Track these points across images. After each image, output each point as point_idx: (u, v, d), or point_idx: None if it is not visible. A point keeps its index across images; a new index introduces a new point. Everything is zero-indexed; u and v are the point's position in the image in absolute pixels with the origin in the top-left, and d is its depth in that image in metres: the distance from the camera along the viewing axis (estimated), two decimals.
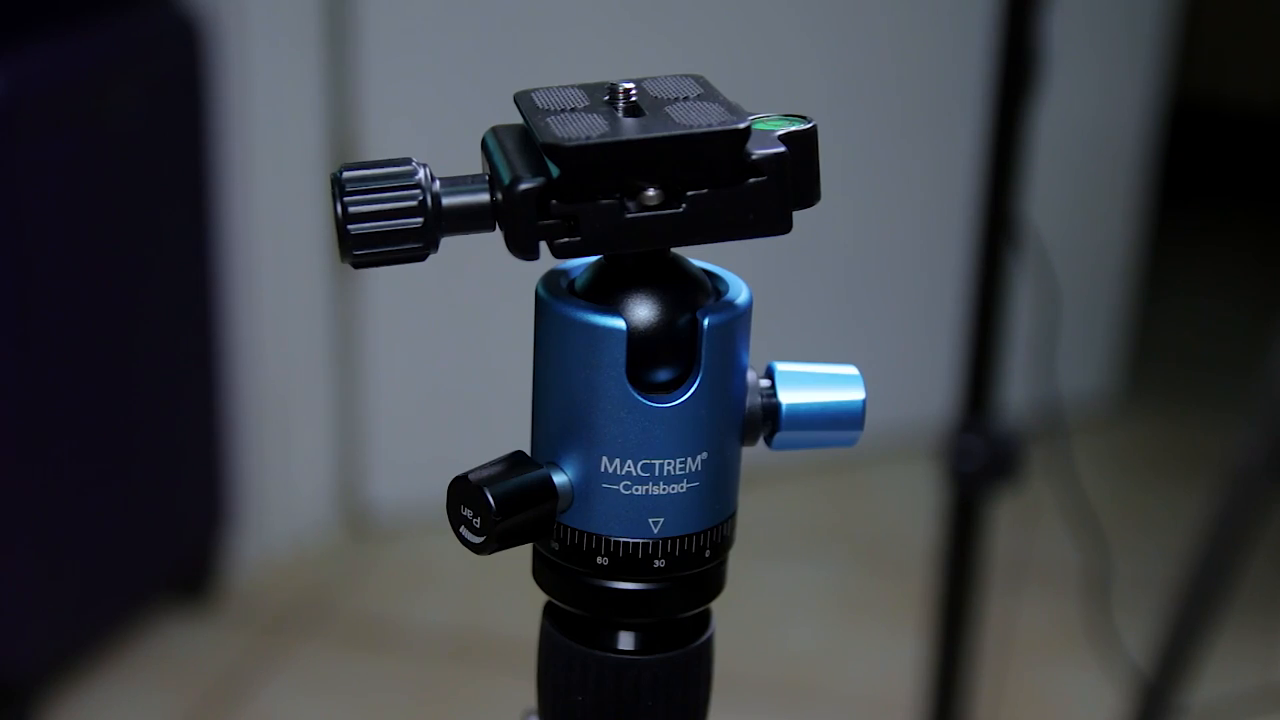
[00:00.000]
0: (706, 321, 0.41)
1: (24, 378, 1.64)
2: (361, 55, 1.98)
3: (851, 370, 0.43)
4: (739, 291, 0.42)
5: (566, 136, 0.39)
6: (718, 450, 0.42)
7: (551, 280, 0.43)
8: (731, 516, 0.43)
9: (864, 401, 0.43)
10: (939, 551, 1.41)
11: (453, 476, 0.41)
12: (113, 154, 1.70)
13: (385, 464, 2.17)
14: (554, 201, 0.39)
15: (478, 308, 2.11)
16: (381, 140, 2.01)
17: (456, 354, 2.16)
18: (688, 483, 0.42)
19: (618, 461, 0.41)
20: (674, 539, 0.42)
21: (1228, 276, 3.19)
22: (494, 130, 0.43)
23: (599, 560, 0.42)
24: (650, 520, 0.42)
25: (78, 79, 1.65)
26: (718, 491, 0.42)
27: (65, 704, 1.79)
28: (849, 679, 1.91)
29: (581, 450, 0.41)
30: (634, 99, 0.41)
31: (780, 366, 0.43)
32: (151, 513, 1.86)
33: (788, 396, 0.43)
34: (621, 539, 0.42)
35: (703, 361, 0.41)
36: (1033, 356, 1.51)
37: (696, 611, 0.44)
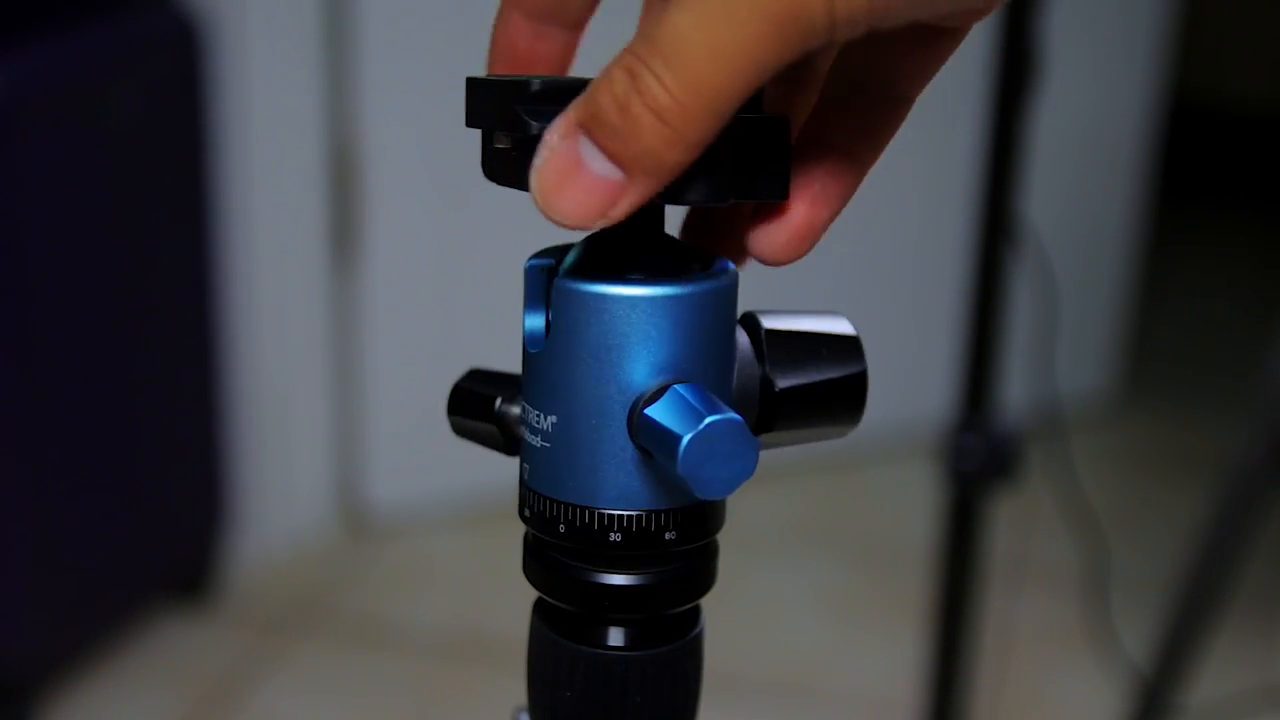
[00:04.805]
0: (557, 282, 0.41)
1: (23, 378, 1.64)
2: (361, 55, 1.98)
3: (712, 417, 0.40)
4: (695, 277, 0.41)
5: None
6: (568, 420, 0.41)
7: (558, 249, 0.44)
8: (602, 514, 0.42)
9: (686, 444, 0.40)
10: (938, 550, 1.41)
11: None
12: (112, 154, 1.70)
13: (384, 464, 2.17)
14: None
15: (477, 308, 2.11)
16: (380, 140, 2.01)
17: (456, 354, 2.16)
18: (541, 440, 0.42)
19: (531, 411, 0.43)
20: (533, 493, 0.43)
21: (1226, 276, 3.19)
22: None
23: (560, 529, 0.43)
24: (524, 464, 0.43)
25: (76, 79, 1.65)
26: (572, 466, 0.42)
27: (65, 704, 1.79)
28: (848, 678, 1.91)
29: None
30: None
31: (679, 386, 0.41)
32: (151, 513, 1.86)
33: (649, 414, 0.41)
34: (534, 487, 0.43)
35: (551, 320, 0.41)
36: (1032, 356, 1.52)
37: (685, 608, 0.44)
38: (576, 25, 0.45)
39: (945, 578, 1.40)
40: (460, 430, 0.47)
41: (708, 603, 0.45)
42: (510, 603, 1.87)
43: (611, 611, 0.43)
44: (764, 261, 0.43)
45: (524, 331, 0.42)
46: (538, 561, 0.44)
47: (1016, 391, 1.62)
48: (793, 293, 2.26)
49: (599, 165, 0.36)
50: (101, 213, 1.71)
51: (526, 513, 0.43)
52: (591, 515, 0.42)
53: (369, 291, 2.09)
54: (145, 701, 1.82)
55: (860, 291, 2.32)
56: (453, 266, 2.11)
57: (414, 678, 1.88)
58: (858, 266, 2.30)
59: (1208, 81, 3.39)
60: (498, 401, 0.45)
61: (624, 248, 0.41)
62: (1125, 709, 1.43)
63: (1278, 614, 2.03)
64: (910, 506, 2.19)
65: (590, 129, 0.36)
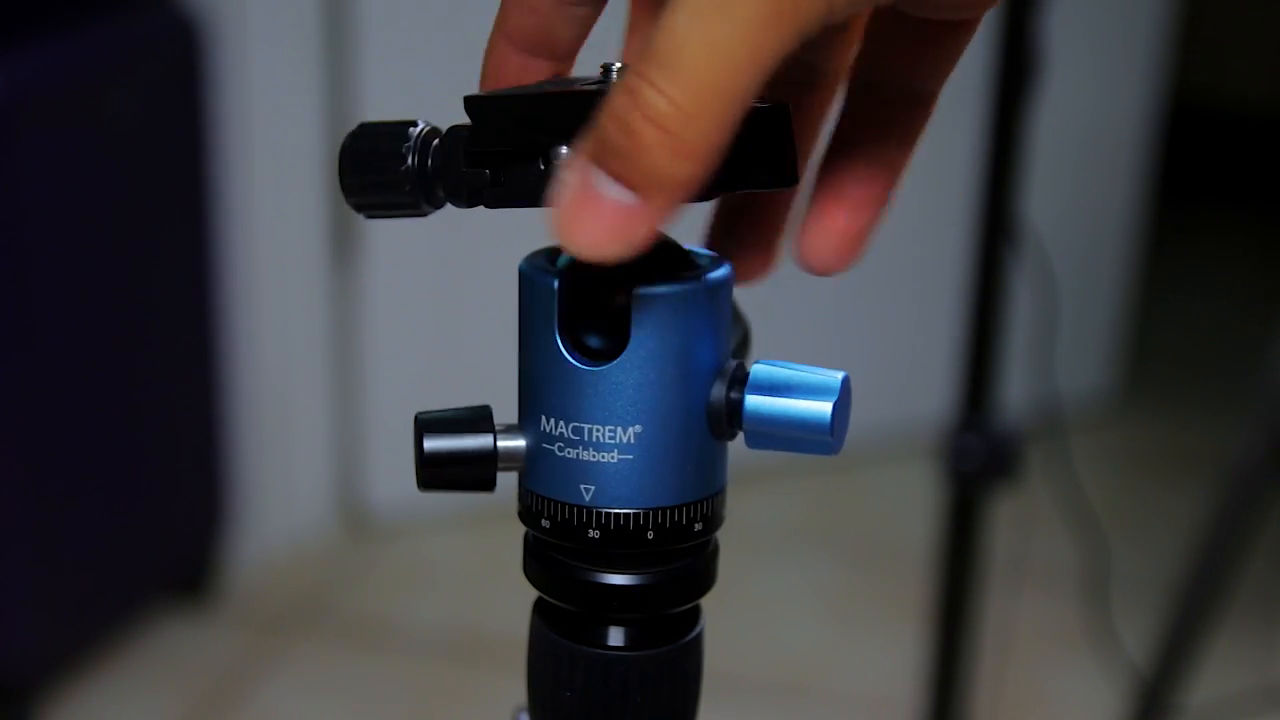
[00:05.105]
0: (641, 291, 0.41)
1: (23, 378, 1.64)
2: (361, 55, 1.98)
3: (834, 378, 0.42)
4: (711, 272, 0.42)
5: (484, 92, 0.41)
6: (656, 427, 0.42)
7: (537, 253, 0.43)
8: (686, 507, 0.43)
9: (830, 412, 0.41)
10: (937, 551, 1.41)
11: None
12: (111, 153, 1.70)
13: (384, 464, 2.17)
14: (476, 150, 0.41)
15: (477, 308, 2.11)
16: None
17: (456, 354, 2.16)
18: (619, 454, 0.42)
19: (552, 421, 0.42)
20: (608, 512, 0.42)
21: (1226, 276, 3.19)
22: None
23: (543, 523, 0.42)
24: (581, 487, 0.42)
25: (76, 79, 1.65)
26: (659, 471, 0.42)
27: (65, 704, 1.79)
28: (848, 679, 1.91)
29: (530, 409, 0.43)
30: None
31: (759, 366, 0.43)
32: (151, 513, 1.86)
33: (754, 396, 0.42)
34: (558, 500, 0.42)
35: (634, 331, 0.41)
36: (1031, 356, 1.52)
37: (686, 608, 0.44)
38: (565, 57, 0.45)
39: (945, 578, 1.40)
40: (441, 486, 0.45)
41: (708, 603, 0.45)
42: (510, 603, 1.87)
43: (612, 611, 0.43)
44: (815, 272, 0.43)
45: (568, 354, 0.41)
46: (538, 561, 0.44)
47: (1016, 391, 1.62)
48: (793, 293, 2.26)
49: (611, 192, 0.35)
50: (101, 213, 1.71)
51: (594, 534, 0.42)
52: (680, 513, 0.42)
53: (369, 292, 2.09)
54: (145, 701, 1.82)
55: (860, 291, 2.32)
56: (452, 266, 2.11)
57: (414, 678, 1.88)
58: (858, 266, 2.29)
59: (1208, 81, 3.39)
60: (492, 441, 0.43)
61: None
62: (1125, 709, 1.43)
63: (1278, 614, 2.03)
64: (910, 506, 2.19)
65: (598, 157, 0.35)
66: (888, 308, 2.36)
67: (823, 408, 0.41)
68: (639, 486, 0.42)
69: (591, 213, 0.35)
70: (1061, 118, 2.01)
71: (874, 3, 0.35)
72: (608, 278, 0.40)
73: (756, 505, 2.19)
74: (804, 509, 2.26)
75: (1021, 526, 2.11)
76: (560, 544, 0.43)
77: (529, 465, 0.43)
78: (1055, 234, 1.76)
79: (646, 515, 0.42)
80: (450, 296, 2.12)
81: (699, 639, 0.44)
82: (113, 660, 1.86)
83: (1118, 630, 1.60)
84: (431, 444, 0.43)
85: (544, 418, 0.42)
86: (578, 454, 0.42)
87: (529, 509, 0.43)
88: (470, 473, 0.43)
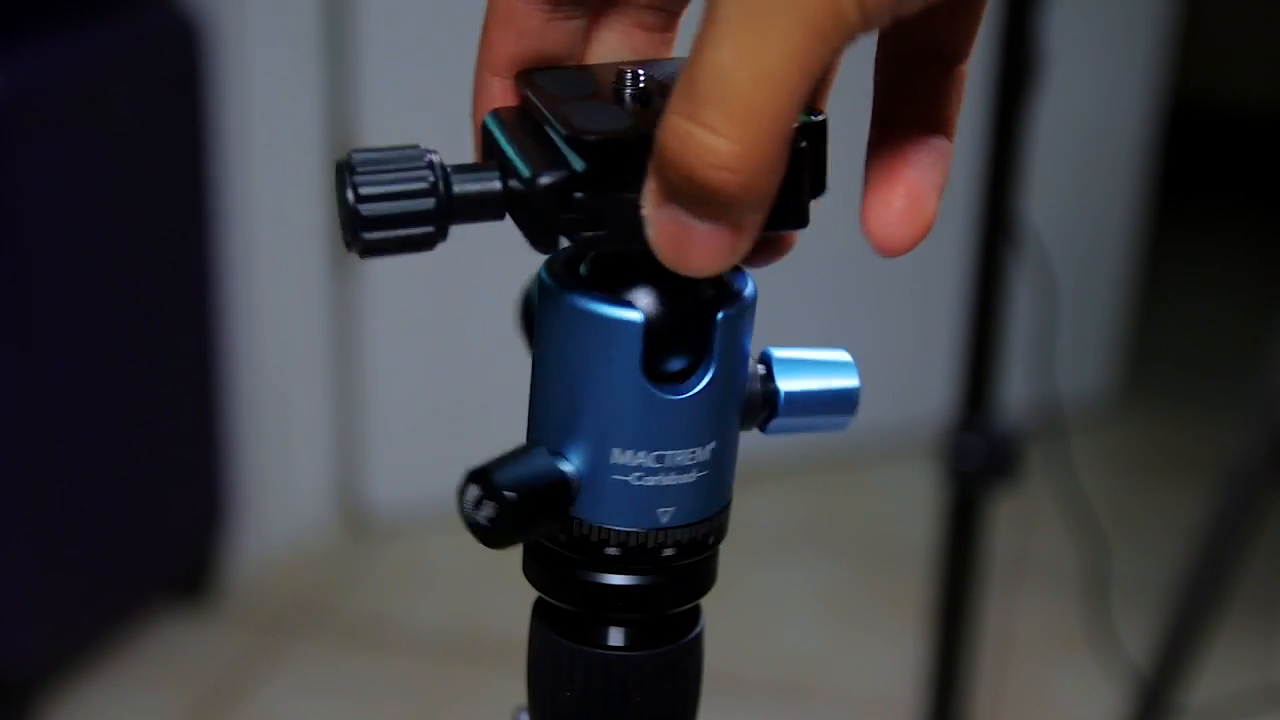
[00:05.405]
0: (721, 315, 0.40)
1: (23, 377, 1.64)
2: (361, 55, 1.98)
3: (845, 356, 0.44)
4: (745, 281, 0.42)
5: (590, 128, 0.38)
6: (724, 438, 0.42)
7: (556, 266, 0.41)
8: (730, 503, 0.43)
9: (859, 388, 0.43)
10: (937, 551, 1.41)
11: (457, 474, 0.41)
12: (112, 153, 1.70)
13: (384, 464, 2.17)
14: (577, 194, 0.38)
15: (477, 308, 2.11)
16: (380, 140, 2.01)
17: (455, 354, 2.16)
18: (697, 472, 0.41)
19: (629, 453, 0.41)
20: (681, 527, 0.42)
21: (1227, 276, 3.19)
22: (496, 114, 0.43)
23: (608, 551, 0.42)
24: (659, 510, 0.41)
25: (76, 78, 1.65)
26: (722, 478, 0.42)
27: (65, 704, 1.79)
28: (847, 679, 1.91)
29: (591, 442, 0.41)
30: (643, 85, 0.41)
31: (777, 353, 0.43)
32: (151, 513, 1.86)
33: (786, 383, 0.43)
34: (631, 529, 0.41)
35: (715, 353, 0.40)
36: (1031, 355, 1.52)
37: (686, 608, 0.44)
38: None
39: (945, 578, 1.40)
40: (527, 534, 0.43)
41: (708, 603, 0.45)
42: (510, 603, 1.87)
43: (612, 611, 0.43)
44: (887, 254, 0.42)
45: (653, 388, 0.40)
46: (538, 561, 0.44)
47: (1016, 391, 1.62)
48: (793, 292, 2.27)
49: (701, 226, 0.36)
50: (101, 213, 1.71)
51: (670, 552, 0.42)
52: (728, 510, 0.43)
53: (369, 292, 2.09)
54: (145, 701, 1.82)
55: (860, 291, 2.32)
56: (452, 266, 2.11)
57: (414, 678, 1.88)
58: (858, 266, 2.30)
59: (1208, 81, 3.39)
60: (563, 474, 0.42)
61: (624, 263, 0.41)
62: (1125, 709, 1.43)
63: (1278, 614, 2.03)
64: (910, 506, 2.19)
65: (672, 200, 0.35)
66: (888, 308, 2.36)
67: (852, 382, 0.42)
68: (709, 497, 0.42)
69: (694, 243, 0.36)
70: (1061, 118, 2.01)
71: (902, 14, 0.35)
72: (692, 306, 0.40)
73: (756, 505, 2.19)
74: (804, 509, 2.26)
75: (1021, 526, 2.11)
76: (629, 568, 0.42)
77: (587, 498, 0.41)
78: (1055, 234, 1.75)
79: (711, 523, 0.42)
80: (450, 297, 2.12)
81: (699, 639, 0.44)
82: (113, 660, 1.86)
83: (1118, 630, 1.60)
84: (511, 495, 0.40)
85: (616, 451, 0.41)
86: (658, 480, 0.41)
87: (585, 539, 0.42)
88: (552, 514, 0.42)
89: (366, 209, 0.38)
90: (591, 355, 0.40)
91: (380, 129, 2.01)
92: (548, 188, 0.38)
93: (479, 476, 0.40)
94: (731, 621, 1.93)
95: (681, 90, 0.34)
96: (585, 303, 0.40)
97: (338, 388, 2.13)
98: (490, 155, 0.41)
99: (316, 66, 1.96)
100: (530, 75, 0.43)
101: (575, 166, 0.38)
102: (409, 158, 0.39)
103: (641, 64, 0.42)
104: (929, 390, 2.17)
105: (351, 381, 2.13)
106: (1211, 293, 3.09)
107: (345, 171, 0.39)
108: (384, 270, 2.08)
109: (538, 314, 0.42)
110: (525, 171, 0.38)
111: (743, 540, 2.40)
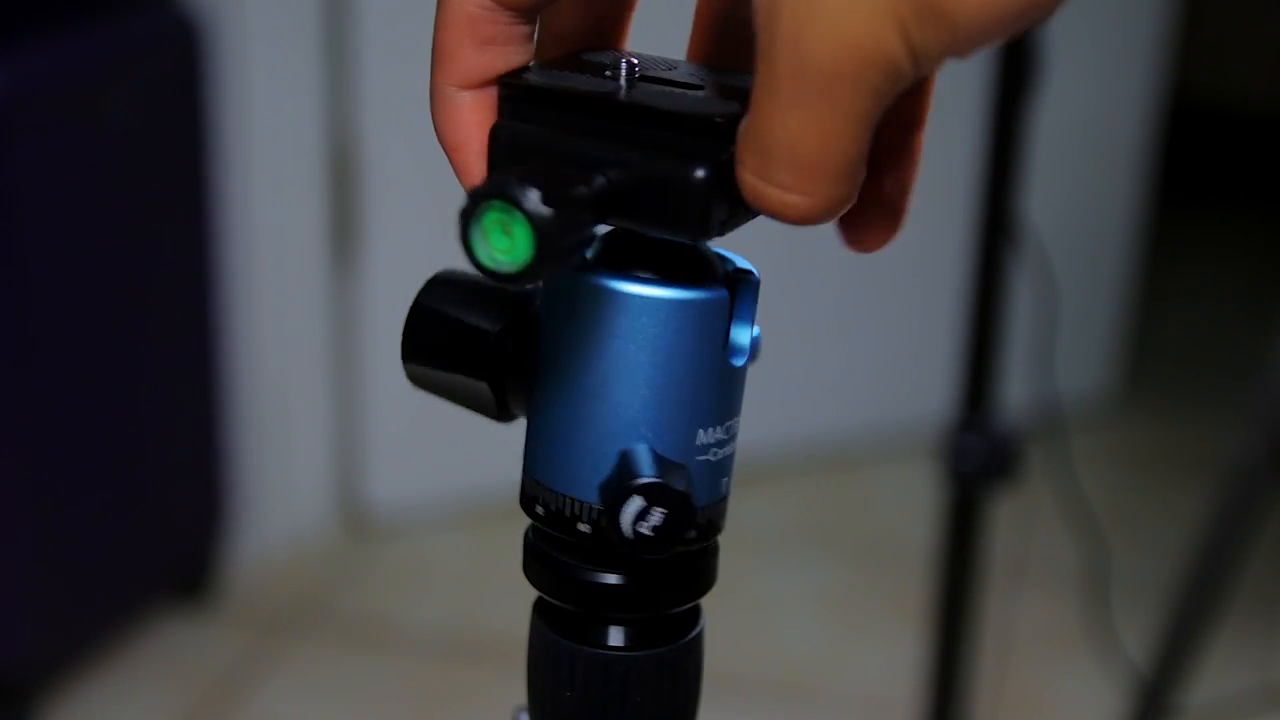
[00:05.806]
0: (755, 274, 0.41)
1: (23, 378, 1.64)
2: (361, 55, 1.98)
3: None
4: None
5: (711, 111, 0.38)
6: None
7: (585, 264, 0.41)
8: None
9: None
10: (937, 550, 1.41)
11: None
12: (111, 153, 1.70)
13: (384, 464, 2.17)
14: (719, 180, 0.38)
15: None
16: (380, 140, 2.01)
17: None
18: (731, 448, 0.43)
19: (710, 430, 0.41)
20: (724, 497, 0.42)
21: (1227, 276, 3.19)
22: (509, 126, 0.42)
23: (690, 534, 0.41)
24: (722, 480, 0.42)
25: (76, 79, 1.65)
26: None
27: (65, 704, 1.79)
28: (847, 679, 1.91)
29: (678, 429, 0.41)
30: (650, 73, 0.41)
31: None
32: (151, 513, 1.86)
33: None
34: (706, 504, 0.42)
35: (756, 314, 0.42)
36: (1031, 356, 1.52)
37: (686, 607, 0.44)
38: None
39: (945, 578, 1.40)
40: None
41: (708, 603, 0.45)
42: (510, 603, 1.87)
43: (612, 611, 0.43)
44: (859, 252, 0.43)
45: (730, 352, 0.41)
46: (538, 561, 0.44)
47: (1016, 391, 1.62)
48: (793, 292, 2.27)
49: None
50: (101, 213, 1.71)
51: (694, 533, 0.42)
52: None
53: (369, 291, 2.09)
54: (145, 701, 1.82)
55: (860, 291, 2.32)
56: (452, 266, 2.11)
57: (414, 678, 1.88)
58: (858, 266, 2.30)
59: (1208, 81, 3.39)
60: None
61: (645, 245, 0.41)
62: (1125, 709, 1.43)
63: (1278, 614, 2.03)
64: (910, 506, 2.19)
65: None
66: (888, 308, 2.36)
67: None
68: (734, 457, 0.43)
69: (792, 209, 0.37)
70: (1061, 118, 2.01)
71: (947, 58, 0.35)
72: (731, 276, 0.41)
73: (756, 505, 2.19)
74: (804, 509, 2.26)
75: (1021, 526, 2.11)
76: (702, 544, 0.42)
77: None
78: (1055, 234, 1.76)
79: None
80: None
81: (699, 639, 0.44)
82: (113, 660, 1.86)
83: (1118, 630, 1.60)
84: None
85: (701, 431, 0.41)
86: (725, 451, 0.42)
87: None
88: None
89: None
90: (681, 340, 0.40)
91: (380, 129, 2.01)
92: (705, 179, 0.37)
93: (659, 495, 0.40)
94: (731, 621, 1.93)
95: (751, 149, 0.36)
96: (674, 293, 0.40)
97: (338, 388, 2.13)
98: (505, 164, 0.40)
99: (316, 66, 1.96)
100: (542, 75, 0.42)
101: (720, 155, 0.37)
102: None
103: (606, 55, 0.42)
104: (929, 390, 2.17)
105: (351, 381, 2.13)
106: (1211, 293, 3.09)
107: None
108: (384, 270, 2.08)
109: (581, 327, 0.41)
110: (677, 165, 0.38)
111: (743, 540, 2.40)
